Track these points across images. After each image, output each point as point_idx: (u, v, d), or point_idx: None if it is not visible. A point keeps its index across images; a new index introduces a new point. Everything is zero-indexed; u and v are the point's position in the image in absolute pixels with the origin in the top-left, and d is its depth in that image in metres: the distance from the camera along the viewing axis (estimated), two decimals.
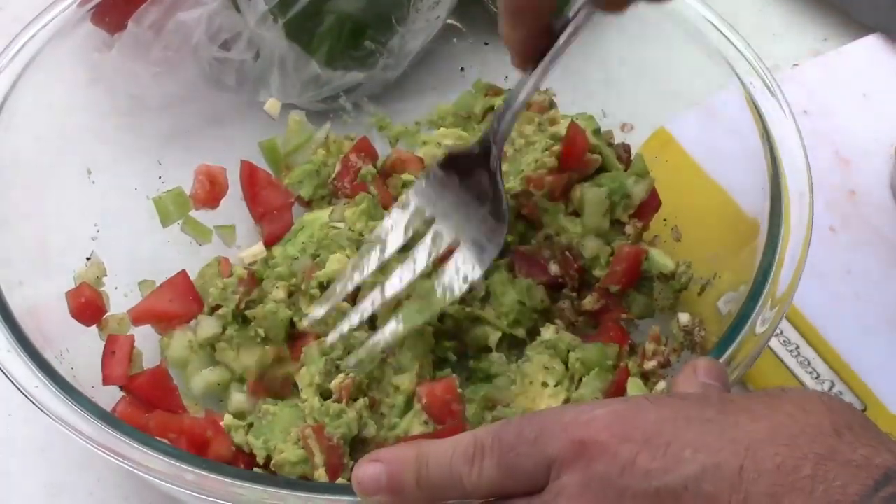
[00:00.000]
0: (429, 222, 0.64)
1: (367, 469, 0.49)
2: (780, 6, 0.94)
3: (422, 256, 0.63)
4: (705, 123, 0.70)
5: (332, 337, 0.64)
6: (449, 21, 0.81)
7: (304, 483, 0.56)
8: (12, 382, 0.57)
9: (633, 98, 0.76)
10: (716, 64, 0.68)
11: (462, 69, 0.83)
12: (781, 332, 0.71)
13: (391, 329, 0.63)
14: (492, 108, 0.76)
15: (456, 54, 0.83)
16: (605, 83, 0.77)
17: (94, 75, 0.74)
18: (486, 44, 0.81)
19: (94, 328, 0.68)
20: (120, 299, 0.70)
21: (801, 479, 0.41)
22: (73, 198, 0.72)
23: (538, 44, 0.60)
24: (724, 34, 0.68)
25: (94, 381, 0.64)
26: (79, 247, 0.70)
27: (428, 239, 0.63)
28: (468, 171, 0.63)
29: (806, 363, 0.70)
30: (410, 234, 0.64)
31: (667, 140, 0.74)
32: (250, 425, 0.63)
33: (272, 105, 0.77)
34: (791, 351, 0.71)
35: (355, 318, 0.63)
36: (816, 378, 0.69)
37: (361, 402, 0.62)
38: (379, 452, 0.49)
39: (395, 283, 0.63)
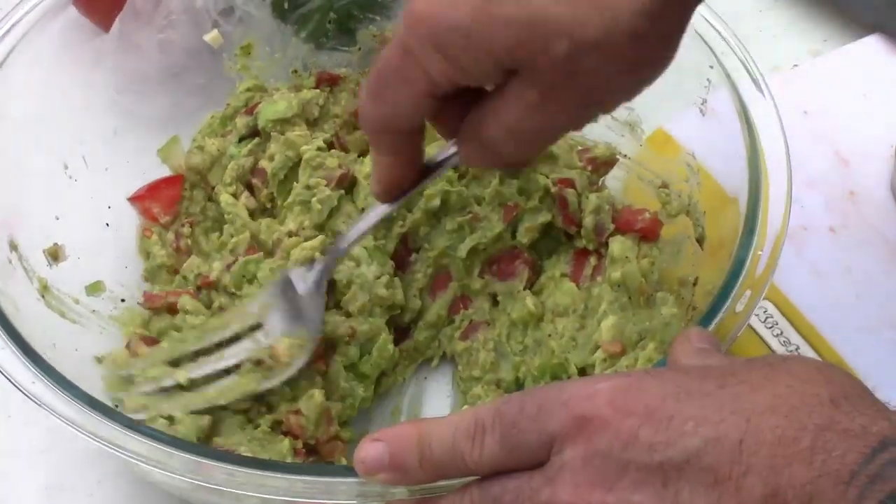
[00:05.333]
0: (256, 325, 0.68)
1: (370, 449, 0.50)
2: (780, 7, 0.96)
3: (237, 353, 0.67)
4: (702, 122, 0.71)
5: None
6: None
7: (307, 467, 0.57)
8: (9, 380, 0.58)
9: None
10: (712, 63, 0.70)
11: None
12: (782, 333, 0.73)
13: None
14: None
15: None
16: None
17: (95, 56, 0.75)
18: None
19: (75, 325, 0.69)
20: (108, 304, 0.72)
21: (800, 450, 0.42)
22: (54, 194, 0.72)
23: (403, 177, 0.59)
24: (720, 34, 0.70)
25: (86, 377, 0.63)
26: (48, 242, 0.70)
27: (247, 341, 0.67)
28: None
29: None
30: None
31: (665, 140, 0.76)
32: None
33: (214, 38, 0.77)
34: (791, 351, 0.72)
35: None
36: None
37: None
38: (381, 432, 0.51)
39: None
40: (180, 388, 0.65)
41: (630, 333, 0.67)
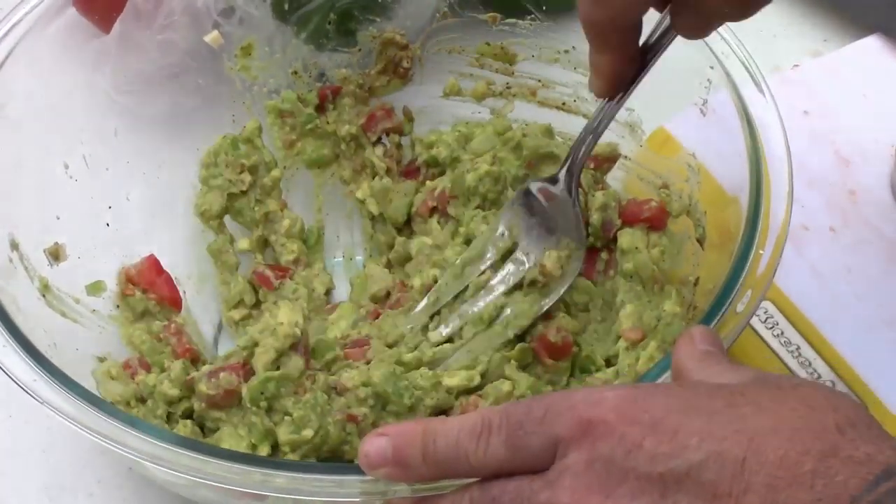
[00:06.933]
0: (511, 246, 0.71)
1: (374, 442, 0.51)
2: (780, 7, 0.96)
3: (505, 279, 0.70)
4: (702, 122, 0.71)
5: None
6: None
7: (308, 464, 0.58)
8: (11, 378, 0.58)
9: (633, 98, 0.77)
10: (713, 64, 0.70)
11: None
12: (782, 333, 0.73)
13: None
14: None
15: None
16: None
17: (95, 56, 0.75)
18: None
19: (76, 324, 0.69)
20: (108, 304, 0.72)
21: (802, 473, 0.42)
22: (54, 194, 0.73)
23: (627, 69, 0.61)
24: (720, 34, 0.70)
25: (86, 376, 0.65)
26: (49, 242, 0.70)
27: (510, 265, 0.70)
28: (549, 197, 0.70)
29: (807, 363, 0.72)
30: (496, 255, 0.71)
31: (666, 139, 0.76)
32: None
33: (214, 38, 0.77)
34: (791, 352, 0.72)
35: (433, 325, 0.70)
36: (817, 379, 0.71)
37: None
38: (386, 427, 0.51)
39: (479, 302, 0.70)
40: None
41: (648, 319, 0.68)
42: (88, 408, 0.56)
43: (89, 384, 0.63)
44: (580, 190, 0.73)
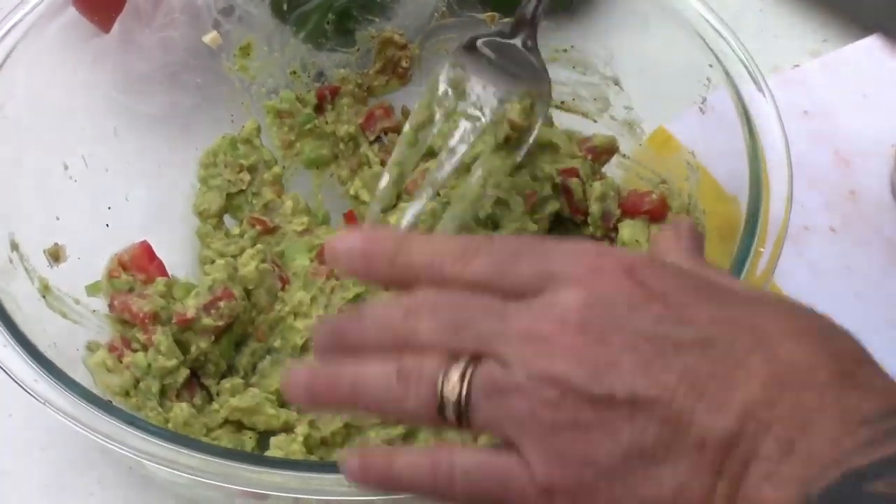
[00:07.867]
0: (456, 105, 0.68)
1: (345, 237, 0.46)
2: (780, 7, 0.96)
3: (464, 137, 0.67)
4: (703, 122, 0.71)
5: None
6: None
7: (309, 463, 0.58)
8: (12, 379, 0.58)
9: (633, 97, 0.78)
10: (712, 63, 0.70)
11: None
12: None
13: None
14: None
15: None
16: (605, 83, 0.79)
17: (95, 56, 0.75)
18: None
19: (76, 325, 0.69)
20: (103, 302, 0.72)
21: (813, 381, 0.39)
22: (54, 194, 0.73)
23: None
24: (720, 34, 0.71)
25: (86, 376, 0.65)
26: (49, 242, 0.70)
27: (464, 122, 0.67)
28: (498, 49, 0.67)
29: None
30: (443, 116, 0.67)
31: (666, 139, 0.76)
32: None
33: (213, 39, 0.77)
34: None
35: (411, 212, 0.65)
36: None
37: None
38: (361, 228, 0.49)
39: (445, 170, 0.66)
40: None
41: None
42: (89, 407, 0.56)
43: (90, 384, 0.63)
44: (578, 179, 0.73)
